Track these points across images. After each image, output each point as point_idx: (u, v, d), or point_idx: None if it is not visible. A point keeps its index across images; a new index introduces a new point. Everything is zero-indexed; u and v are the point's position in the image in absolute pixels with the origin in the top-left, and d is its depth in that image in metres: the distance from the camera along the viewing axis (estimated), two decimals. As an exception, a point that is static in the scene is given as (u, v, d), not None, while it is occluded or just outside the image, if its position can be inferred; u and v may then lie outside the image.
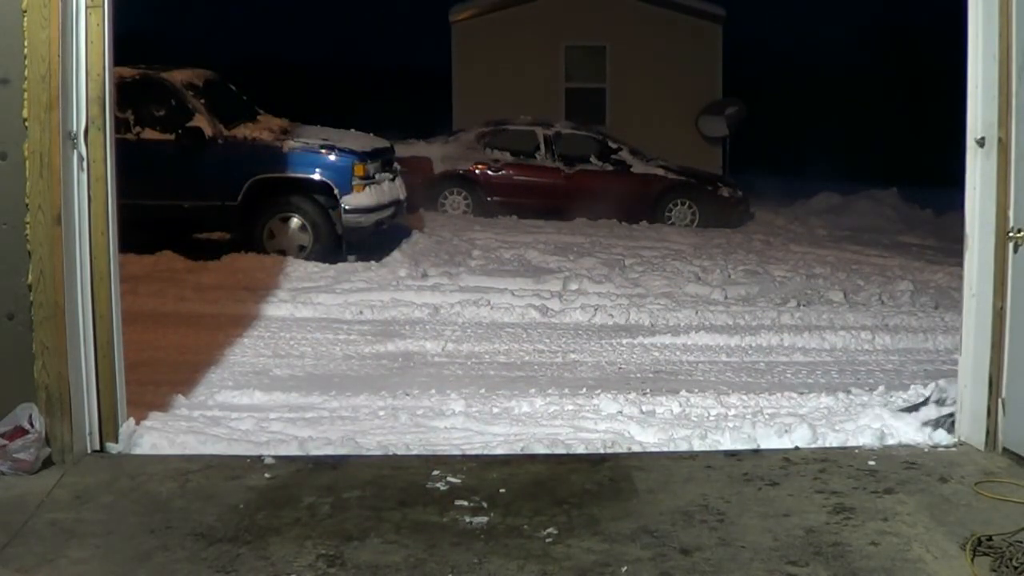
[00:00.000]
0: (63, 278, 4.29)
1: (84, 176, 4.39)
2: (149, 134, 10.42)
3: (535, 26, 17.51)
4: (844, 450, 4.70)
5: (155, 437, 4.82)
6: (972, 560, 3.53)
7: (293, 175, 10.46)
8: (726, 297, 9.26)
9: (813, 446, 4.79)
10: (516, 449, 4.83)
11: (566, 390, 6.15)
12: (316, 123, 11.59)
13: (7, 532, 3.72)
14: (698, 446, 4.83)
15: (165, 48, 14.46)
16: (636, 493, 4.17)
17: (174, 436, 4.93)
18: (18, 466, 4.19)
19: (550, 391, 6.10)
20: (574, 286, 9.34)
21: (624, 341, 7.60)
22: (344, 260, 10.21)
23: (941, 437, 4.80)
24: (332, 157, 10.53)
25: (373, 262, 10.15)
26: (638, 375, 6.76)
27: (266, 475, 4.34)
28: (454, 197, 14.65)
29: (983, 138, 4.51)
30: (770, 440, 4.83)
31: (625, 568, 3.51)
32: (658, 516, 3.93)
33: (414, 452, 4.78)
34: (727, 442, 4.84)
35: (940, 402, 5.06)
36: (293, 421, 5.34)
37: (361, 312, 8.38)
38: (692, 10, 18.14)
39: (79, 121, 4.36)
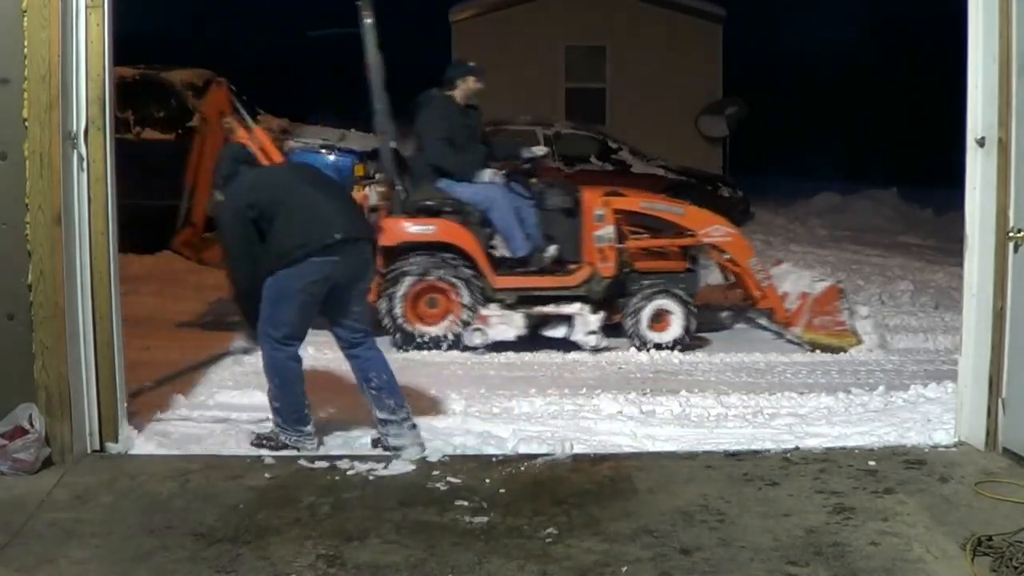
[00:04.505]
0: (63, 278, 4.29)
1: (84, 176, 4.40)
2: (149, 134, 10.42)
3: (535, 26, 17.49)
4: (844, 450, 4.70)
5: (155, 436, 4.82)
6: (972, 560, 3.53)
7: (293, 175, 10.44)
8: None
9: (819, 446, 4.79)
10: (516, 449, 4.82)
11: (566, 390, 6.14)
12: (316, 123, 11.58)
13: (7, 532, 3.72)
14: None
15: (165, 48, 14.45)
16: (636, 493, 4.17)
17: (174, 436, 4.94)
18: (18, 466, 4.19)
19: (550, 391, 6.10)
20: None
21: (624, 341, 7.60)
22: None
23: (941, 437, 4.80)
24: (332, 157, 10.53)
25: (373, 262, 10.12)
26: (638, 375, 6.75)
27: (266, 475, 4.34)
28: (454, 197, 14.62)
29: (983, 138, 4.51)
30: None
31: (625, 568, 3.51)
32: (658, 516, 3.93)
33: (413, 452, 4.77)
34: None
35: None
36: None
37: (361, 312, 8.37)
38: (692, 10, 18.11)
39: (79, 121, 4.36)
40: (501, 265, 7.44)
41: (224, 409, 5.56)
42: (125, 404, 4.68)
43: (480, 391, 6.07)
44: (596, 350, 7.17)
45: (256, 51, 21.38)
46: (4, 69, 4.22)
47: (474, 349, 7.17)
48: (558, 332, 7.28)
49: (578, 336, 7.20)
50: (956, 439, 4.74)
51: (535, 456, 4.60)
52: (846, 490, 4.18)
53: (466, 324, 7.20)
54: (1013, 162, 4.39)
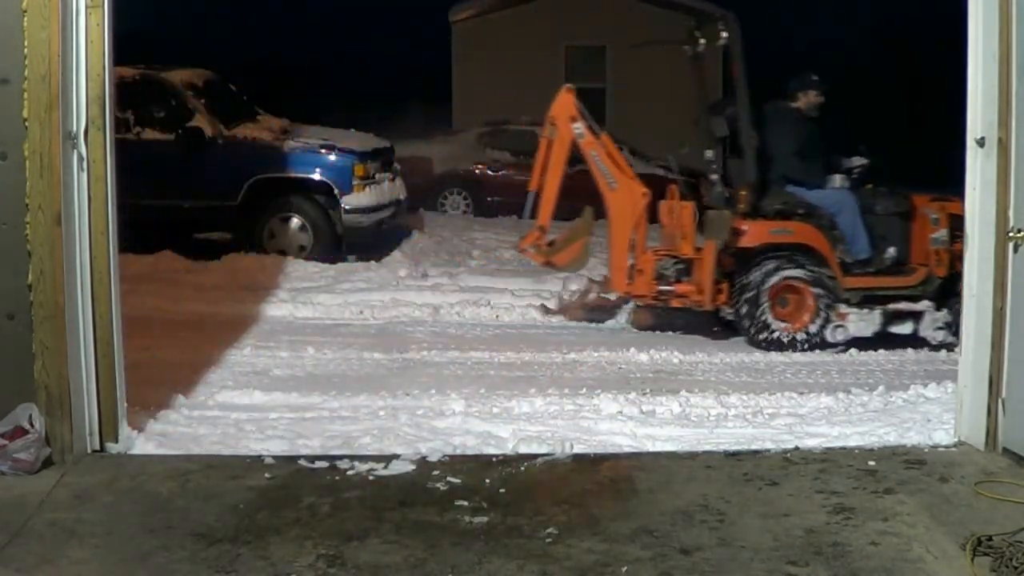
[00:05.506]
0: (63, 278, 4.29)
1: (84, 176, 4.39)
2: (149, 134, 10.42)
3: (535, 26, 17.51)
4: (844, 450, 4.70)
5: (155, 436, 4.82)
6: (972, 560, 3.53)
7: (293, 175, 10.47)
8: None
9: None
10: (516, 449, 4.82)
11: (566, 390, 6.14)
12: (316, 123, 11.59)
13: (7, 532, 3.72)
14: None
15: (165, 48, 14.45)
16: (636, 493, 4.17)
17: (174, 436, 4.94)
18: (18, 466, 4.19)
19: (550, 391, 6.09)
20: (574, 286, 9.34)
21: (624, 340, 7.61)
22: (344, 260, 10.22)
23: (941, 437, 4.80)
24: (332, 157, 10.53)
25: (373, 262, 10.15)
26: (638, 375, 6.76)
27: (266, 475, 4.34)
28: (454, 197, 14.65)
29: (983, 138, 4.51)
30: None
31: (625, 568, 3.51)
32: (658, 516, 3.93)
33: (414, 452, 4.77)
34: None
35: None
36: (293, 421, 5.34)
37: (361, 312, 8.39)
38: (692, 10, 18.11)
39: (79, 121, 4.36)
40: (843, 266, 7.72)
41: (224, 409, 5.56)
42: (125, 404, 4.68)
43: (480, 391, 6.06)
44: (941, 346, 7.44)
45: (256, 51, 21.38)
46: (4, 69, 4.21)
47: (835, 346, 7.51)
48: (905, 329, 7.59)
49: (927, 332, 7.56)
50: (956, 439, 4.74)
51: (535, 456, 4.60)
52: (846, 490, 4.18)
53: (825, 322, 7.51)
54: (1013, 162, 4.39)
